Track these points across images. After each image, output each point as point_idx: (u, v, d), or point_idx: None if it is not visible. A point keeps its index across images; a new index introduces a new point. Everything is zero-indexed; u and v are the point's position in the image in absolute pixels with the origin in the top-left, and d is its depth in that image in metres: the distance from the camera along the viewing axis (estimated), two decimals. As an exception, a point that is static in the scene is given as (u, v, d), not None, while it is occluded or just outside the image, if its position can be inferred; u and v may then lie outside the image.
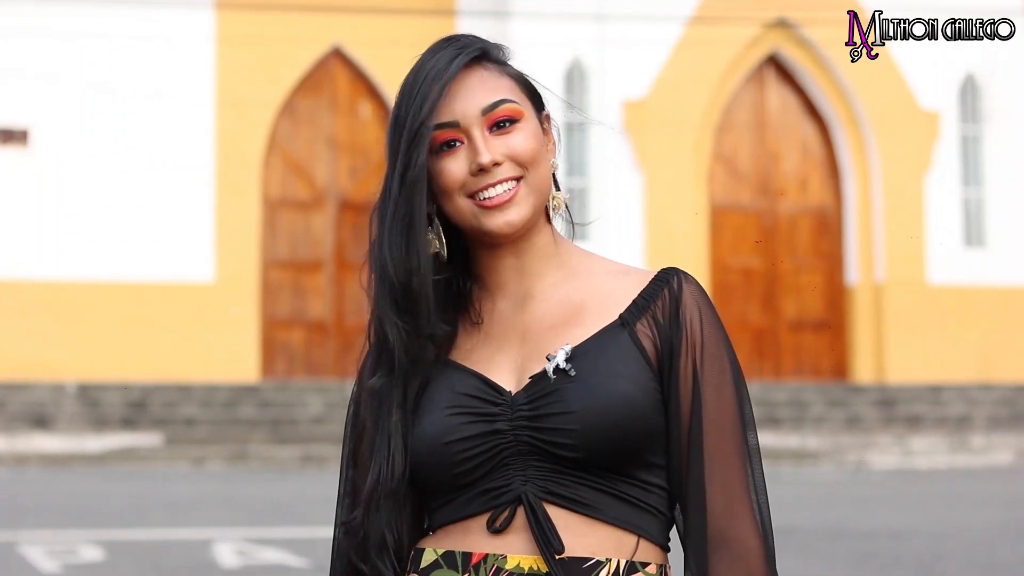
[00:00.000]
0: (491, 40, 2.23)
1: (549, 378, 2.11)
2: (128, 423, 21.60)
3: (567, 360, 2.11)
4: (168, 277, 23.49)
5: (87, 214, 23.26)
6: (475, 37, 2.22)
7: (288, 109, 24.61)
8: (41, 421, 21.36)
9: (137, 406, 21.97)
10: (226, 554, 11.16)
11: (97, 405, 21.90)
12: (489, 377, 2.16)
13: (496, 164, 2.14)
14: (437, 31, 20.80)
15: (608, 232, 23.10)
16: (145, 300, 23.33)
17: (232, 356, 23.51)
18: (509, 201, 2.14)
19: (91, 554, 11.19)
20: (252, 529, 12.78)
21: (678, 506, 2.16)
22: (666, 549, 2.18)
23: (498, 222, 2.15)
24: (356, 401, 2.25)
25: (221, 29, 23.96)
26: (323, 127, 24.87)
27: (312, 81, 24.74)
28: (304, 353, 24.39)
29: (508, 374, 2.16)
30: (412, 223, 2.15)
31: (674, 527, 2.20)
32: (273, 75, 24.22)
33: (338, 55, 24.82)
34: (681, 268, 2.20)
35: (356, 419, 2.24)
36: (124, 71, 23.45)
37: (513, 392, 2.14)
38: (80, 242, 23.23)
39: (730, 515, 2.13)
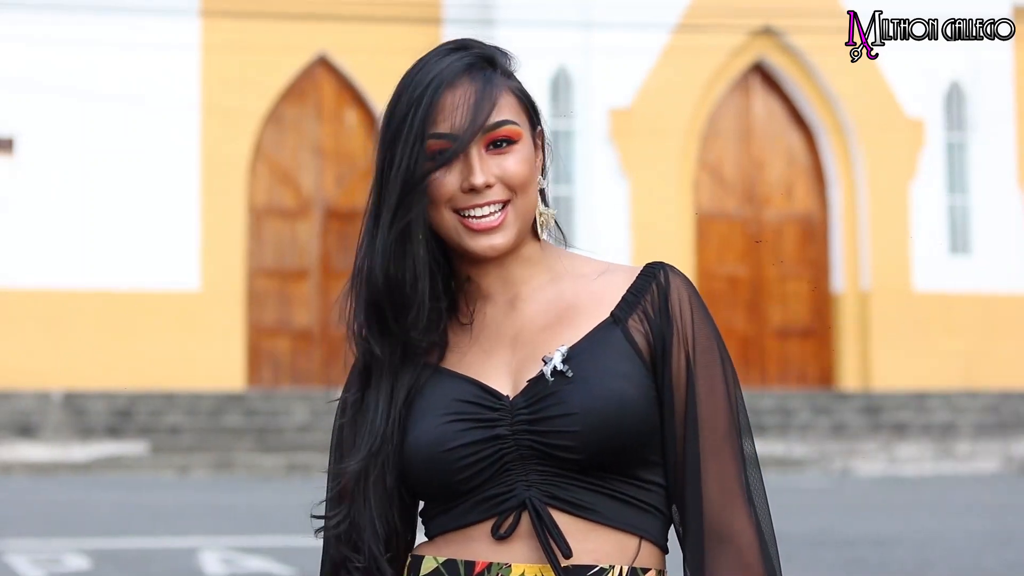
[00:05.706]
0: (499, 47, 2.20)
1: (547, 380, 2.10)
2: (113, 432, 21.56)
3: (564, 361, 2.10)
4: (154, 285, 23.46)
5: (72, 222, 23.22)
6: (483, 44, 2.18)
7: (274, 117, 24.59)
8: (26, 430, 21.31)
9: (122, 415, 21.93)
10: (211, 562, 11.15)
11: (82, 414, 21.85)
12: (485, 382, 2.14)
13: (488, 186, 2.12)
14: (423, 39, 20.79)
15: (594, 240, 23.10)
16: (130, 308, 23.29)
17: (217, 364, 23.47)
18: (496, 227, 2.13)
19: (76, 563, 11.17)
20: (237, 537, 12.76)
21: (675, 504, 2.16)
22: (665, 551, 2.16)
23: (482, 245, 2.13)
24: (343, 409, 2.22)
25: (206, 37, 23.94)
26: (309, 135, 24.86)
27: (298, 89, 24.73)
28: (290, 362, 24.36)
29: (504, 378, 2.14)
30: (410, 232, 2.13)
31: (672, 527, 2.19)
32: (259, 83, 24.20)
33: (324, 63, 24.81)
34: (667, 262, 2.20)
35: (342, 428, 2.21)
36: (109, 79, 23.42)
37: (511, 396, 2.12)
38: (65, 250, 23.19)
39: (726, 508, 2.12)
